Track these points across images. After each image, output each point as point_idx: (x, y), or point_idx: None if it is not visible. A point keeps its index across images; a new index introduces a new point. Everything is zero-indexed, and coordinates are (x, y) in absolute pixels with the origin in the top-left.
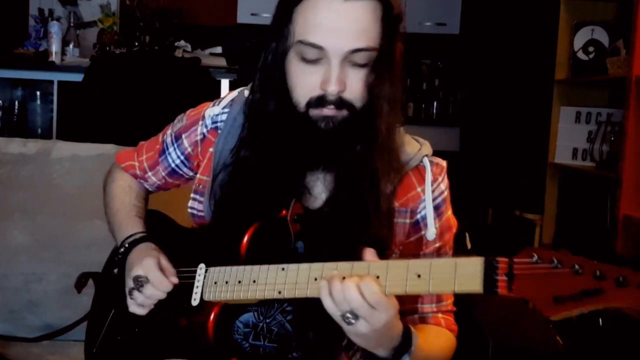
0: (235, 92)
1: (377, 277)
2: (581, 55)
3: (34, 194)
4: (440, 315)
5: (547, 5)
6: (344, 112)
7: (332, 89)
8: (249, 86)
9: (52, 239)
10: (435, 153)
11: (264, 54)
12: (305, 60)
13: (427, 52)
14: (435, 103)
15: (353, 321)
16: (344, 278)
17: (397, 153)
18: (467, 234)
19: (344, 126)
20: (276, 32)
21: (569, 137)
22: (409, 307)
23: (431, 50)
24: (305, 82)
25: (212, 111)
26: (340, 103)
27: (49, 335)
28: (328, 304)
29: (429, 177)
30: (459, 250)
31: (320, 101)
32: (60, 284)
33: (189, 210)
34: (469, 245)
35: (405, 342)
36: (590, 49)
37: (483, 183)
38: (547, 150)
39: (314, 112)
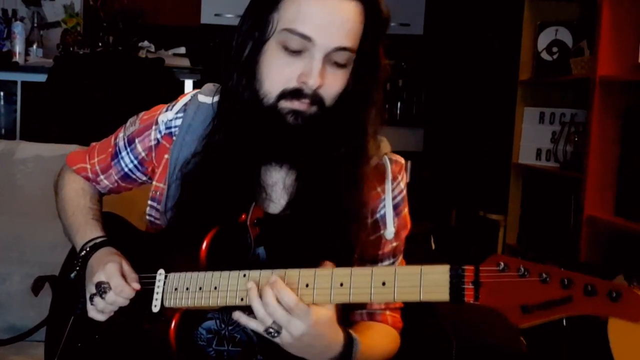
0: (188, 97)
1: (341, 285)
2: (545, 55)
3: None
4: (388, 312)
5: (511, 6)
6: (314, 109)
7: (312, 83)
8: (203, 89)
9: (16, 239)
10: (399, 154)
11: (241, 42)
12: (287, 49)
13: (390, 53)
14: (399, 104)
15: (276, 335)
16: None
17: (368, 158)
18: (431, 236)
19: (312, 123)
20: (257, 20)
21: (533, 137)
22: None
23: (395, 50)
24: (282, 73)
25: (166, 116)
26: (314, 99)
27: (17, 337)
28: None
29: (389, 176)
30: (424, 250)
31: (295, 94)
32: (24, 285)
33: (147, 217)
34: (433, 246)
35: (347, 352)
36: (554, 49)
37: (447, 184)
38: (510, 150)
39: (284, 105)
